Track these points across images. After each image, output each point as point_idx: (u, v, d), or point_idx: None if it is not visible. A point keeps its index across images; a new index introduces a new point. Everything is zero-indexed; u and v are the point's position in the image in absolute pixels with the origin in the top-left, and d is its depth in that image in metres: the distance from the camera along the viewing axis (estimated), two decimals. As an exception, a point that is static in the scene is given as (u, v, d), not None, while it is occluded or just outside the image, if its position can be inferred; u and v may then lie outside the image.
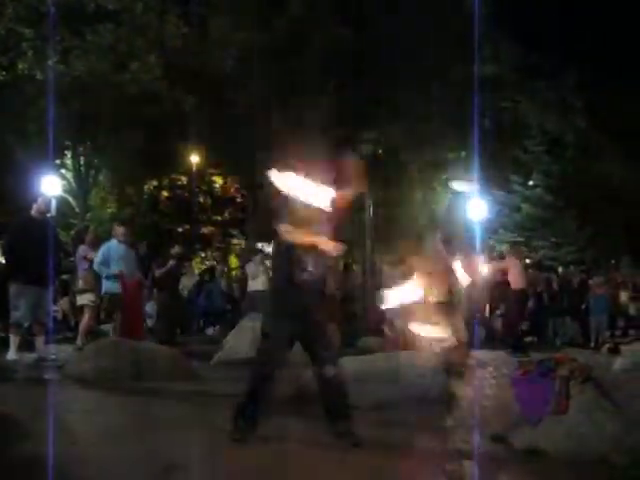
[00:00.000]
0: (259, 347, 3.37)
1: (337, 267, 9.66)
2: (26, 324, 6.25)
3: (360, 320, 10.15)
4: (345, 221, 3.43)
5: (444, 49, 13.33)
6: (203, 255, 22.12)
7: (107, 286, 7.14)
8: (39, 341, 6.19)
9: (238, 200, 21.27)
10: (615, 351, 7.52)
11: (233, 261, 21.64)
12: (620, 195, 18.29)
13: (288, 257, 3.27)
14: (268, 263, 10.21)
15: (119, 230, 7.33)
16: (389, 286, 5.07)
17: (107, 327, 8.07)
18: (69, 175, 15.96)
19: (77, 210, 16.03)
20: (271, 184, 3.27)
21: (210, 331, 11.78)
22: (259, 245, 15.36)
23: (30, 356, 6.15)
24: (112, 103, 13.31)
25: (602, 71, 16.88)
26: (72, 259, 8.14)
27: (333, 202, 3.27)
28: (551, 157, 19.64)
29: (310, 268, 3.26)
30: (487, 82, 14.21)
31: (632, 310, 11.08)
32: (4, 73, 12.63)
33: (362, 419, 3.47)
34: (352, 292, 10.62)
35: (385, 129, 14.10)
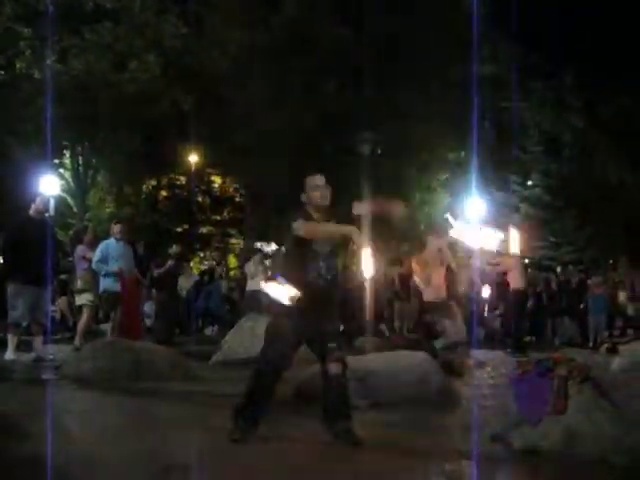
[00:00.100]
0: (265, 347, 3.31)
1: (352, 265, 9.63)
2: (24, 324, 6.24)
3: (358, 320, 10.13)
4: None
5: (443, 49, 13.35)
6: (202, 255, 22.11)
7: (105, 284, 7.13)
8: (37, 341, 6.18)
9: (237, 200, 21.26)
10: (613, 351, 7.54)
11: (232, 261, 21.64)
12: (619, 195, 18.30)
13: (301, 257, 3.25)
14: (267, 263, 10.20)
15: (115, 228, 7.33)
16: None
17: (105, 327, 8.06)
18: (67, 175, 15.95)
19: (75, 210, 16.01)
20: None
21: (209, 331, 11.77)
22: (258, 245, 15.36)
23: (28, 356, 6.14)
24: (111, 102, 13.30)
25: (601, 71, 16.88)
26: (70, 259, 8.14)
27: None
28: (550, 157, 19.66)
29: (323, 269, 3.24)
30: (486, 82, 14.23)
31: (630, 310, 11.09)
32: (2, 72, 12.62)
33: (361, 419, 3.47)
34: (350, 292, 10.60)
35: (385, 129, 14.13)
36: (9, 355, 5.96)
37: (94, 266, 7.16)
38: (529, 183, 20.17)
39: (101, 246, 7.19)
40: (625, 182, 18.27)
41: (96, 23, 12.80)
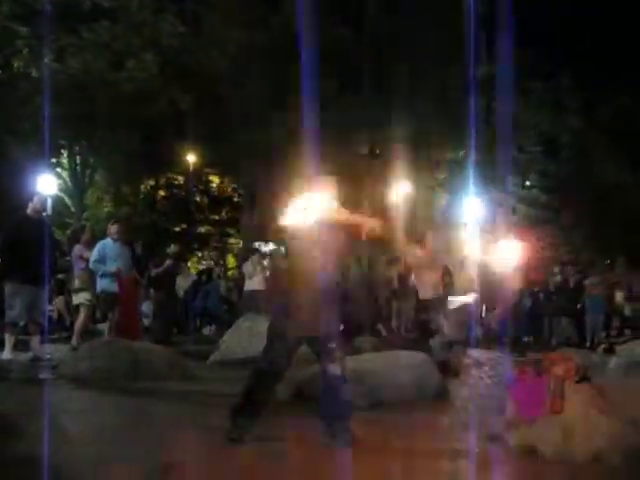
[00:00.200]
0: (267, 346, 3.31)
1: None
2: (21, 323, 6.23)
3: (356, 320, 10.14)
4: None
5: (443, 49, 13.36)
6: (200, 255, 22.09)
7: (103, 285, 7.11)
8: (34, 340, 6.16)
9: (235, 199, 21.25)
10: (610, 351, 7.56)
11: (230, 261, 21.63)
12: (617, 196, 18.33)
13: (303, 257, 3.25)
14: (265, 262, 10.20)
15: (113, 228, 7.32)
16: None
17: (103, 326, 8.04)
18: (65, 174, 15.92)
19: (73, 209, 15.98)
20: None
21: (206, 331, 11.77)
22: (256, 244, 15.35)
23: (25, 356, 6.13)
24: (108, 101, 13.27)
25: (601, 71, 16.89)
26: (68, 258, 8.12)
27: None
28: (548, 158, 19.68)
29: (325, 269, 3.25)
30: (485, 82, 14.24)
31: (627, 310, 11.11)
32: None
33: (359, 419, 3.47)
34: (348, 292, 10.61)
35: (384, 128, 14.13)
36: (6, 354, 5.94)
37: (91, 266, 7.14)
38: (526, 183, 20.20)
39: (98, 246, 7.18)
40: (623, 183, 18.30)
41: (93, 22, 12.76)
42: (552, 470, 3.00)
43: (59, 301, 10.24)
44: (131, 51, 13.20)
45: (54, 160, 14.69)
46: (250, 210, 16.29)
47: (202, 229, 21.56)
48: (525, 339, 9.83)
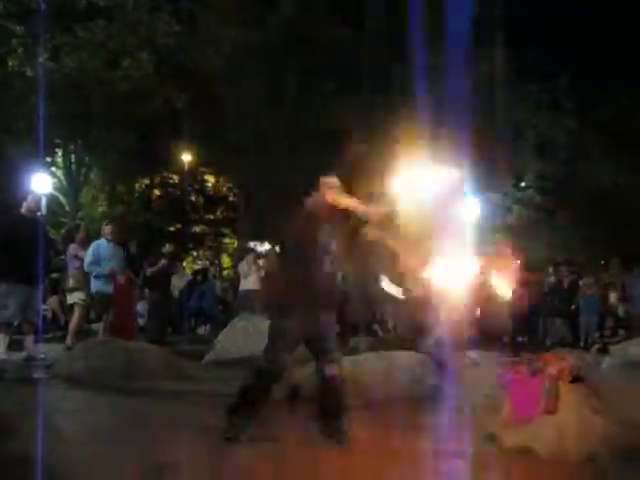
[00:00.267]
0: (268, 346, 3.30)
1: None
2: (15, 323, 6.19)
3: (352, 320, 10.15)
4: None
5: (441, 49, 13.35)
6: (195, 254, 22.04)
7: (98, 286, 7.09)
8: (28, 340, 6.13)
9: (230, 199, 21.22)
10: (604, 351, 7.59)
11: (225, 260, 21.59)
12: (612, 197, 18.39)
13: (303, 255, 3.25)
14: (261, 262, 10.19)
15: (107, 229, 7.30)
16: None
17: (97, 326, 8.01)
18: (60, 173, 15.84)
19: (68, 208, 15.91)
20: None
21: (201, 330, 11.74)
22: (251, 244, 15.34)
23: (19, 355, 6.10)
24: (103, 100, 13.23)
25: (601, 71, 16.92)
26: (62, 257, 8.08)
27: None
28: (545, 159, 19.73)
29: (326, 267, 3.25)
30: (484, 82, 14.26)
31: (621, 311, 11.17)
32: (-6, 70, 12.51)
33: (355, 419, 3.47)
34: (345, 292, 10.61)
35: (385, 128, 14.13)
36: (0, 354, 5.91)
37: (86, 268, 7.12)
38: (522, 184, 20.25)
39: (92, 247, 7.15)
40: (619, 184, 18.36)
41: (89, 21, 12.72)
42: (547, 470, 3.01)
43: (53, 300, 10.19)
44: (126, 50, 13.16)
45: (49, 159, 14.61)
46: (246, 209, 16.28)
47: (197, 228, 21.50)
48: (519, 339, 9.87)
